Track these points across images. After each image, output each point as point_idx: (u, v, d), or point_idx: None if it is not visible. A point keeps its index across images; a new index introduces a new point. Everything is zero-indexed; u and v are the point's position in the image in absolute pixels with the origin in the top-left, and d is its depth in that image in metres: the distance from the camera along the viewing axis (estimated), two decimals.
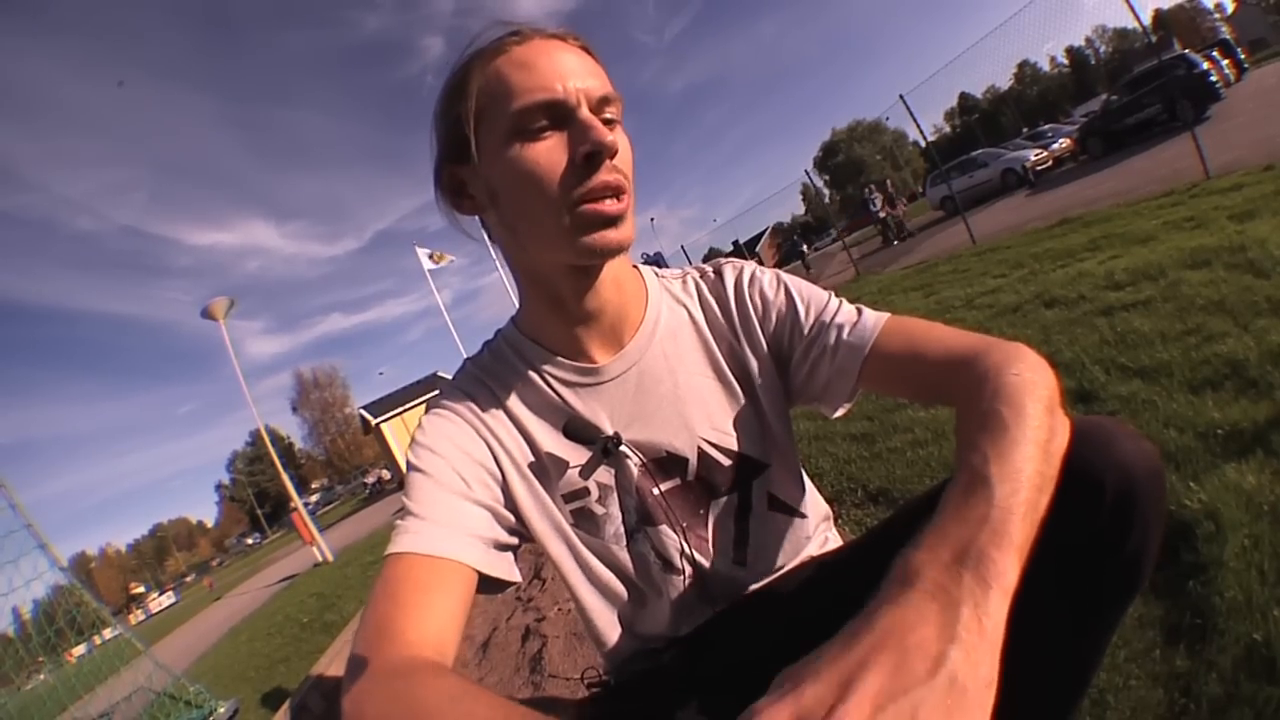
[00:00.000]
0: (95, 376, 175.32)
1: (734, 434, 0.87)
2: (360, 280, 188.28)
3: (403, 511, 0.77)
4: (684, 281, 0.94)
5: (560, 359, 0.85)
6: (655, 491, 0.86)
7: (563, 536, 0.87)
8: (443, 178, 0.79)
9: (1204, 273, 3.16)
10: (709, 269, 0.95)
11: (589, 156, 0.68)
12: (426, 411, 0.86)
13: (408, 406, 22.72)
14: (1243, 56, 19.05)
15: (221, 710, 4.67)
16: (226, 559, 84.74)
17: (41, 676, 5.75)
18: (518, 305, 0.90)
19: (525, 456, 0.84)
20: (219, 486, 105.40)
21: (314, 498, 66.17)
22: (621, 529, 0.88)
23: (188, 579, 74.67)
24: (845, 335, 0.81)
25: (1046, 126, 18.22)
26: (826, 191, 71.17)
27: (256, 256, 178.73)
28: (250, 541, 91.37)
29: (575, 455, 0.85)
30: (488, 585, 0.77)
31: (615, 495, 0.86)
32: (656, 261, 11.92)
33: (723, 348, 0.90)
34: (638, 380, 0.85)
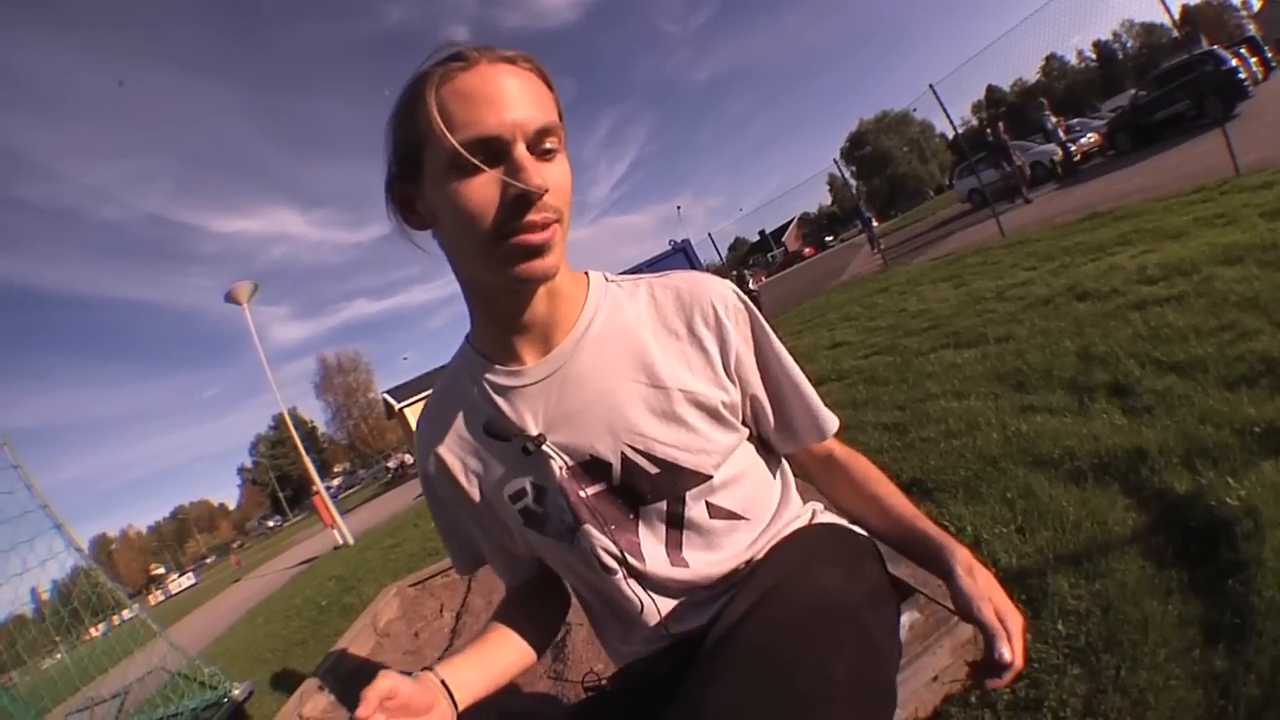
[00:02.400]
0: (119, 362, 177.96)
1: (666, 443, 0.85)
2: (385, 267, 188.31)
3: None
4: (636, 290, 0.93)
5: (496, 366, 0.88)
6: (581, 494, 0.86)
7: (523, 538, 0.92)
8: (393, 191, 0.81)
9: (1237, 269, 3.11)
10: (680, 284, 0.93)
11: (518, 198, 0.70)
12: (416, 446, 0.98)
13: (431, 392, 23.23)
14: (1270, 55, 18.55)
15: (236, 692, 4.68)
16: (247, 541, 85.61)
17: (57, 657, 5.80)
18: (469, 320, 0.92)
19: (476, 465, 0.91)
20: (241, 469, 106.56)
21: (336, 481, 66.60)
22: (563, 527, 0.89)
23: (208, 560, 75.69)
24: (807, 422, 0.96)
25: (1074, 120, 17.94)
26: (854, 182, 71.03)
27: (281, 243, 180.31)
28: (271, 524, 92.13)
29: (509, 456, 0.88)
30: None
31: (548, 495, 0.88)
32: (685, 248, 11.89)
33: (668, 357, 0.88)
34: (563, 383, 0.86)
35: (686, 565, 0.88)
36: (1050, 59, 67.20)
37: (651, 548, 0.88)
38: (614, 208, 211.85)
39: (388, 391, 30.85)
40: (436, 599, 3.69)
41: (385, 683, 0.70)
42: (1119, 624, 1.36)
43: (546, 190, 0.71)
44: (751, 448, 0.94)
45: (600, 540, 0.87)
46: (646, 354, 0.87)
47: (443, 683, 0.80)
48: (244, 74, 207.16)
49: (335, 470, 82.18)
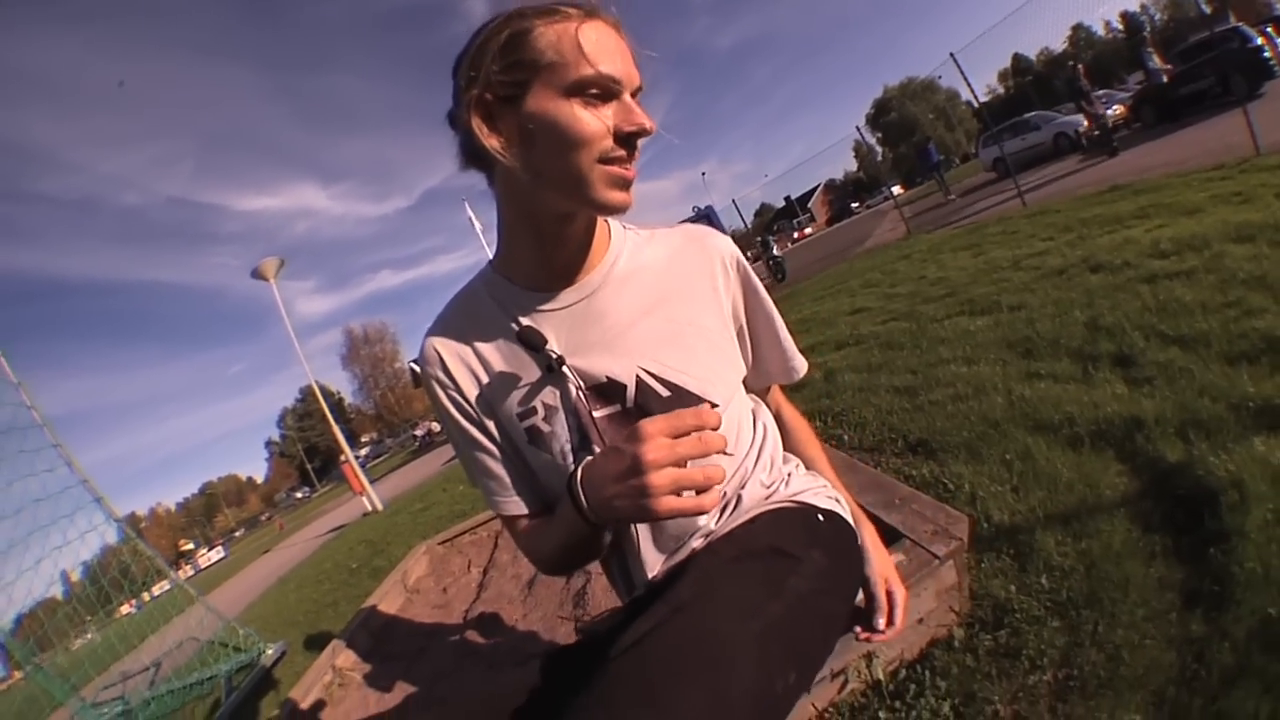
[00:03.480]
0: (145, 344, 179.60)
1: (675, 369, 0.94)
2: (410, 238, 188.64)
3: (470, 472, 1.02)
4: (652, 237, 1.03)
5: (523, 290, 0.95)
6: (593, 415, 0.93)
7: (523, 456, 0.99)
8: (479, 105, 0.82)
9: (1248, 247, 3.11)
10: (692, 233, 1.04)
11: (631, 134, 0.79)
12: (420, 361, 1.00)
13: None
14: None
15: (270, 652, 4.86)
16: (276, 513, 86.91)
17: (89, 635, 5.95)
18: (497, 247, 0.99)
19: (492, 370, 0.96)
20: (268, 443, 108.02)
21: (364, 451, 66.72)
22: (567, 447, 0.95)
23: (237, 534, 76.91)
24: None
25: (1100, 92, 17.58)
26: (880, 149, 69.88)
27: (305, 218, 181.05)
28: (299, 495, 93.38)
29: (526, 373, 0.95)
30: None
31: (560, 415, 0.94)
32: (708, 214, 11.91)
33: (680, 296, 0.98)
34: (585, 311, 0.94)
35: (678, 494, 0.91)
36: (1077, 29, 65.50)
37: None
38: (640, 175, 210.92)
39: (414, 360, 31.30)
40: (464, 556, 3.85)
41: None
42: (1101, 582, 1.42)
43: (651, 131, 0.81)
44: (742, 389, 1.05)
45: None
46: (663, 292, 0.97)
47: None
48: (259, 54, 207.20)
49: (363, 440, 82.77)
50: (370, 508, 13.01)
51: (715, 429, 0.72)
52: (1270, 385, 1.86)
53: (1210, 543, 1.39)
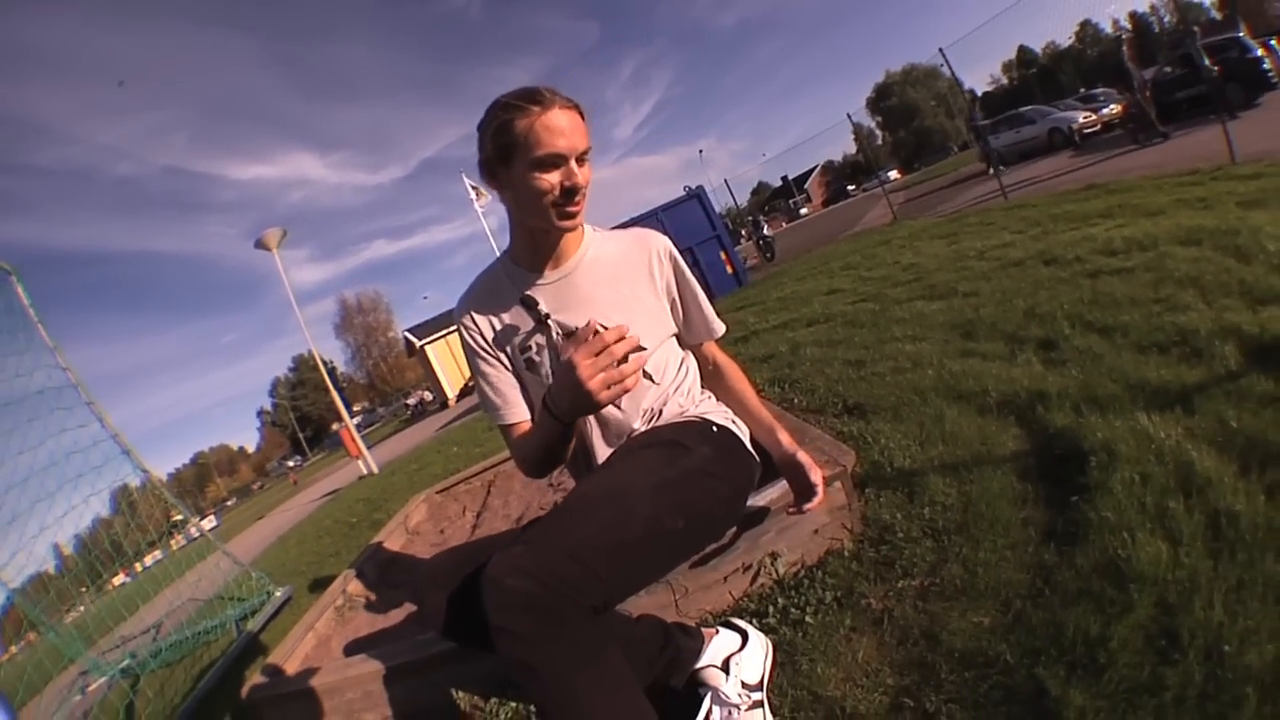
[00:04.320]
0: (138, 314, 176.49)
1: (620, 323, 1.28)
2: (405, 208, 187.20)
3: (484, 395, 1.52)
4: (610, 236, 1.56)
5: (525, 271, 1.48)
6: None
7: (521, 376, 1.49)
8: (486, 168, 1.35)
9: (1192, 250, 3.31)
10: (639, 234, 1.58)
11: (570, 189, 1.28)
12: (455, 316, 1.54)
13: (452, 329, 23.52)
14: None
15: (278, 594, 5.18)
16: (268, 482, 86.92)
17: (81, 609, 6.11)
18: (509, 242, 1.52)
19: (502, 322, 1.48)
20: (260, 413, 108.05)
21: (356, 419, 66.49)
22: (549, 370, 1.45)
23: (229, 503, 76.78)
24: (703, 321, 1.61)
25: (1099, 90, 17.68)
26: (880, 133, 69.54)
27: (301, 187, 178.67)
28: (291, 464, 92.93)
29: (525, 324, 1.46)
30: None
31: (546, 351, 1.45)
32: (699, 194, 12.16)
33: (630, 277, 1.50)
34: (565, 285, 1.46)
35: (620, 405, 1.46)
36: (1085, 24, 65.06)
37: None
38: (637, 149, 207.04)
39: (409, 330, 31.11)
40: (460, 503, 4.16)
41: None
42: (973, 517, 1.69)
43: (583, 186, 1.30)
44: (672, 342, 1.56)
45: None
46: (616, 274, 1.49)
47: None
48: (257, 23, 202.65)
49: (355, 409, 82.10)
50: (366, 471, 13.35)
51: (622, 341, 1.13)
52: (1170, 372, 2.07)
53: (1074, 493, 1.62)
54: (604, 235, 1.56)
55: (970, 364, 2.81)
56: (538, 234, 1.41)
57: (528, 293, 1.45)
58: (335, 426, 14.78)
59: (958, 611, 1.41)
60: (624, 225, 11.73)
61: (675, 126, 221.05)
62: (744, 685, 1.44)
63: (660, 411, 1.50)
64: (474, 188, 17.00)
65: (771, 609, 1.72)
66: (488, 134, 1.30)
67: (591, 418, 1.48)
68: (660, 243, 1.56)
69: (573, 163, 1.27)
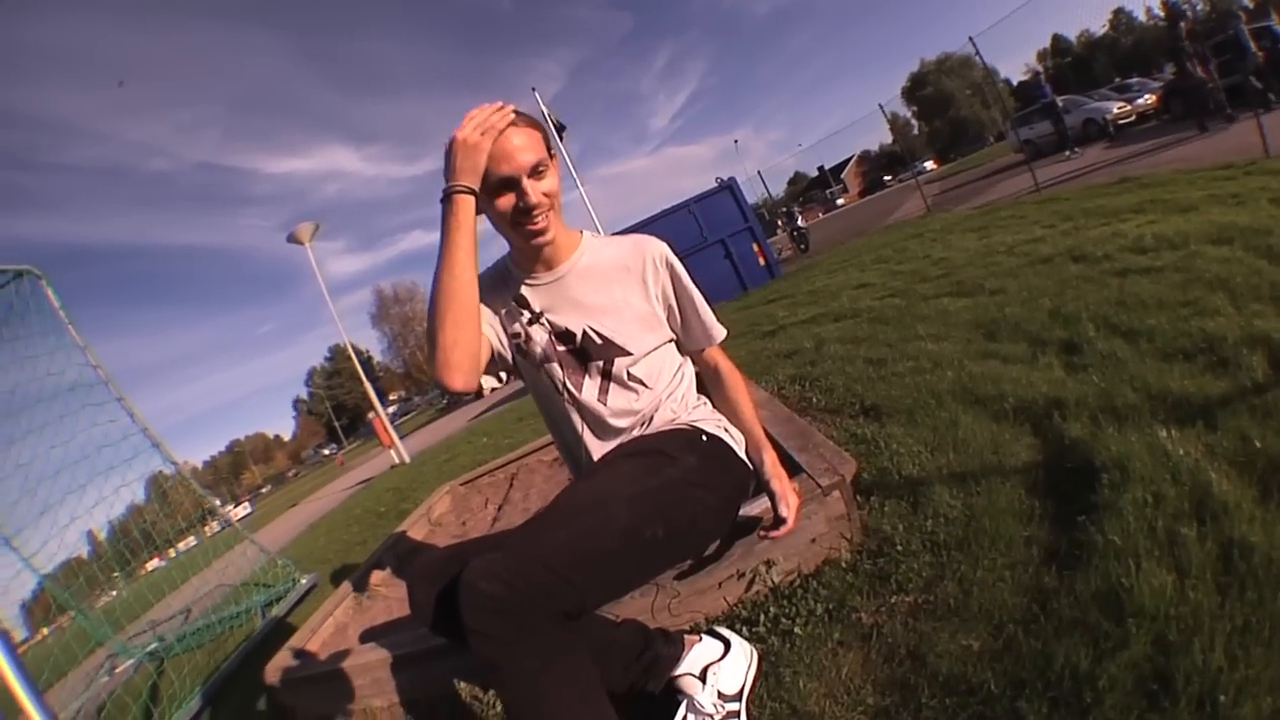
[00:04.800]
0: (174, 307, 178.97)
1: (611, 328, 1.49)
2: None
3: None
4: (609, 242, 1.60)
5: (522, 272, 1.54)
6: (558, 348, 1.51)
7: (511, 355, 1.53)
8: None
9: (1223, 250, 3.18)
10: (636, 241, 1.58)
11: (524, 209, 1.34)
12: None
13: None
14: None
15: (303, 582, 5.29)
16: (303, 470, 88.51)
17: (113, 592, 6.41)
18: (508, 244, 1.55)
19: (503, 307, 1.53)
20: (296, 402, 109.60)
21: (392, 408, 66.36)
22: (540, 358, 1.51)
23: (263, 490, 78.19)
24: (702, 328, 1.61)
25: (1134, 80, 17.18)
26: (915, 123, 68.58)
27: (336, 180, 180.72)
28: (326, 452, 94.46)
29: (521, 318, 1.52)
30: (492, 364, 1.51)
31: (537, 345, 1.51)
32: (730, 186, 12.03)
33: (623, 282, 1.53)
34: (557, 287, 1.51)
35: (605, 405, 1.50)
36: (1118, 13, 63.31)
37: (588, 389, 1.51)
38: (673, 139, 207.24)
39: None
40: (483, 495, 4.24)
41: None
42: (976, 532, 1.63)
43: (539, 202, 1.34)
44: (669, 349, 1.58)
45: (559, 374, 1.51)
46: (609, 279, 1.52)
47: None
48: (287, 20, 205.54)
49: (391, 398, 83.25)
50: (398, 460, 13.59)
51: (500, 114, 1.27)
52: (1194, 383, 1.96)
53: (1082, 512, 1.54)
54: (602, 241, 1.59)
55: (990, 366, 2.74)
56: (521, 248, 1.49)
57: (519, 293, 1.52)
58: (370, 415, 15.00)
59: (948, 632, 1.37)
60: (656, 218, 11.83)
61: (711, 116, 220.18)
62: (720, 695, 1.44)
63: (651, 418, 1.52)
64: None
65: (763, 617, 1.71)
66: None
67: (582, 420, 1.53)
68: (656, 250, 1.57)
69: (525, 181, 1.32)
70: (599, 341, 1.49)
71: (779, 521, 1.47)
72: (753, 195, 23.06)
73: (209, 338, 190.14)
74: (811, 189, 73.03)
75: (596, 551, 1.11)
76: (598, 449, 1.52)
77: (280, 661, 2.63)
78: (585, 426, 1.54)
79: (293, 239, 14.09)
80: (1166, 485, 1.51)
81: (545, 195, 1.36)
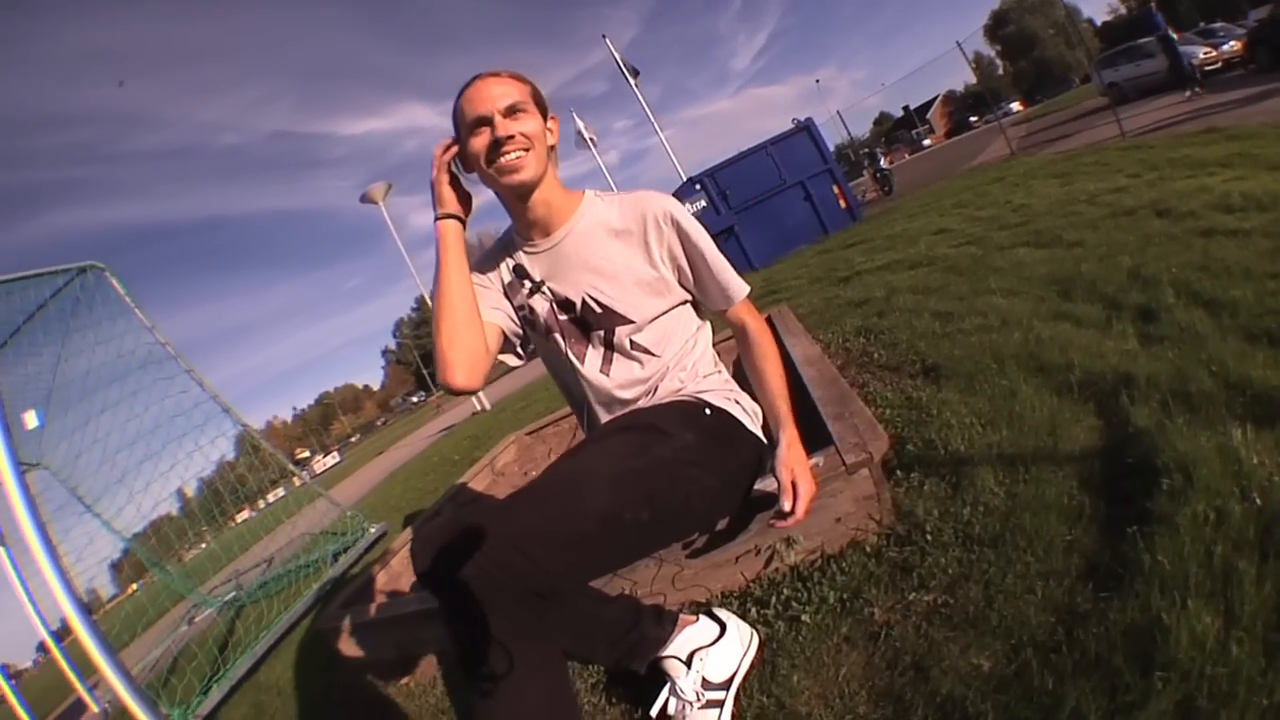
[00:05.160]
0: (260, 269, 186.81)
1: (610, 295, 1.44)
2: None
3: None
4: (611, 201, 1.52)
5: (522, 240, 1.51)
6: (559, 318, 1.48)
7: (523, 329, 1.55)
8: (458, 150, 1.42)
9: None
10: (637, 199, 1.50)
11: (495, 141, 1.33)
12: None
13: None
14: None
15: (372, 531, 5.54)
16: (391, 418, 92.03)
17: (202, 545, 6.90)
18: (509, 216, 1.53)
19: (505, 280, 1.54)
20: (385, 352, 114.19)
21: None
22: (544, 329, 1.50)
23: (353, 439, 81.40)
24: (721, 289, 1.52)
25: (1218, 24, 15.83)
26: (999, 63, 65.20)
27: (414, 136, 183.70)
28: (415, 400, 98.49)
29: (523, 288, 1.50)
30: (507, 344, 1.54)
31: (540, 315, 1.49)
32: (808, 126, 11.63)
33: (624, 245, 1.46)
34: (556, 253, 1.48)
35: (609, 376, 1.48)
36: None
37: (591, 359, 1.49)
38: (755, 79, 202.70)
39: None
40: (547, 445, 4.27)
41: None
42: (1015, 529, 1.47)
43: (511, 135, 1.33)
44: (681, 311, 1.52)
45: (562, 345, 1.49)
46: (608, 243, 1.46)
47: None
48: None
49: None
50: (479, 408, 14.18)
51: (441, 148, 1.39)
52: (1277, 374, 1.68)
53: (1134, 521, 1.33)
54: (604, 201, 1.53)
55: (1061, 329, 2.53)
56: (514, 205, 1.46)
57: (517, 263, 1.51)
58: None
59: (960, 646, 1.25)
60: (732, 161, 11.68)
61: (792, 56, 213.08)
62: (704, 682, 1.40)
63: (656, 388, 1.48)
64: (584, 126, 17.02)
65: (775, 599, 1.64)
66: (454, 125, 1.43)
67: (588, 392, 1.51)
68: (658, 206, 1.48)
69: (498, 118, 1.32)
70: (598, 310, 1.45)
71: (783, 514, 1.36)
72: (837, 136, 22.28)
73: (297, 296, 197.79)
74: (897, 129, 70.61)
75: (570, 534, 1.09)
76: (607, 418, 1.51)
77: (332, 609, 2.76)
78: (592, 398, 1.52)
79: (366, 199, 14.43)
80: (1233, 502, 1.27)
81: (522, 134, 1.34)
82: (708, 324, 1.61)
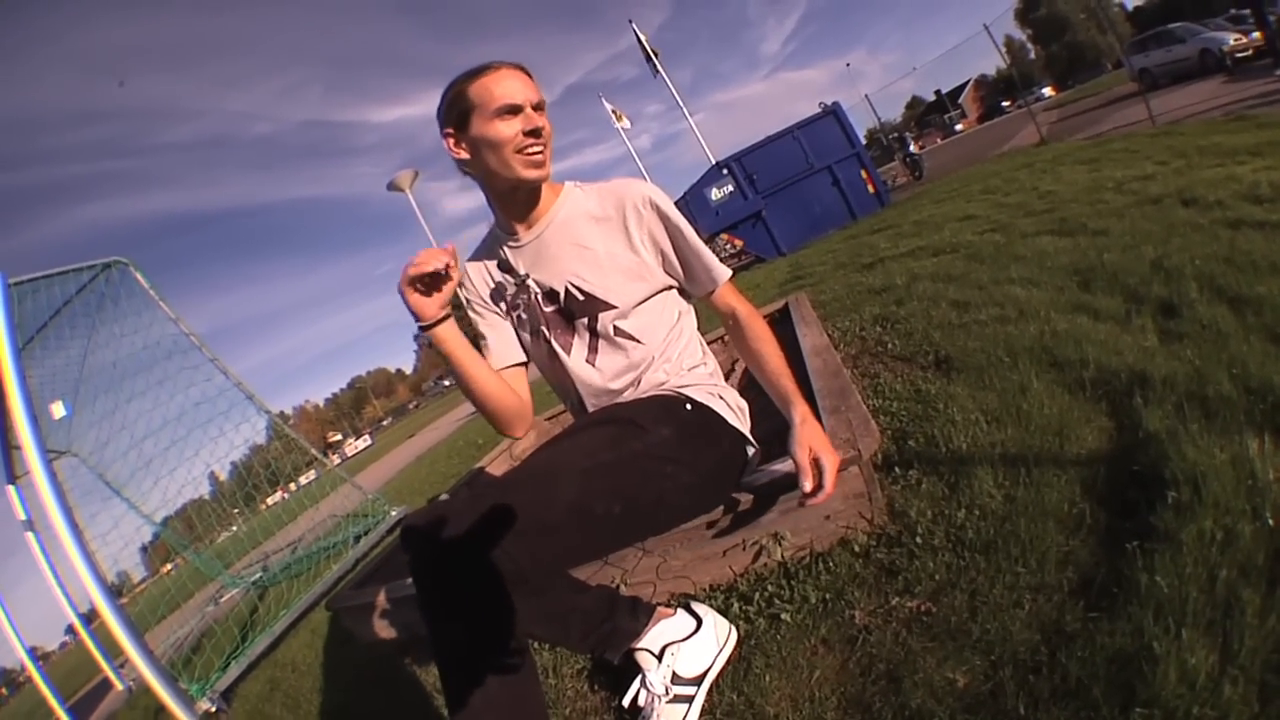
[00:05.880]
0: (291, 256, 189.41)
1: (592, 282, 1.46)
2: (556, 132, 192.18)
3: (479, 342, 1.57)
4: (589, 191, 1.54)
5: (505, 235, 1.53)
6: (545, 309, 1.51)
7: (512, 330, 1.57)
8: (451, 139, 1.41)
9: None
10: (616, 186, 1.52)
11: (532, 131, 1.33)
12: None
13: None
14: None
15: (394, 514, 5.66)
16: (423, 401, 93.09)
17: (234, 528, 7.08)
18: (491, 212, 1.55)
19: (493, 282, 1.57)
20: (417, 335, 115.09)
21: None
22: (534, 327, 1.53)
23: (385, 423, 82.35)
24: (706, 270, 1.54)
25: (1249, 10, 15.49)
26: (1031, 47, 64.22)
27: None
28: (447, 383, 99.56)
29: (509, 285, 1.54)
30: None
31: (532, 309, 1.51)
32: (835, 110, 11.51)
33: (604, 232, 1.48)
34: (538, 246, 1.50)
35: (595, 366, 1.50)
36: None
37: (577, 349, 1.51)
38: (787, 63, 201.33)
39: None
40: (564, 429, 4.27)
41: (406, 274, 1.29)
42: (1008, 535, 1.41)
43: (545, 130, 1.35)
44: (665, 298, 1.54)
45: (549, 337, 1.51)
46: (588, 230, 1.48)
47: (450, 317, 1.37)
48: None
49: None
50: None
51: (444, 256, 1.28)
52: None
53: (1135, 536, 1.25)
54: (583, 191, 1.55)
55: (1079, 322, 2.45)
56: (504, 196, 1.46)
57: (503, 257, 1.53)
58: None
59: (937, 657, 1.21)
60: (759, 145, 11.67)
61: (823, 40, 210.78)
62: (675, 676, 1.41)
63: (640, 380, 1.50)
64: (614, 110, 17.02)
65: (759, 595, 1.63)
66: (445, 106, 1.38)
67: (576, 383, 1.53)
68: (638, 192, 1.50)
69: (529, 110, 1.33)
70: (581, 298, 1.47)
71: (807, 482, 1.32)
72: (869, 121, 22.04)
73: (329, 282, 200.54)
74: (929, 114, 69.83)
75: (539, 523, 1.10)
76: (594, 406, 1.54)
77: (347, 590, 2.81)
78: (579, 390, 1.53)
79: (393, 187, 14.55)
80: (1244, 522, 1.18)
81: (547, 131, 1.37)
82: (691, 310, 1.64)
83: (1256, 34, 13.32)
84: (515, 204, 1.47)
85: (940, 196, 8.95)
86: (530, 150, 1.34)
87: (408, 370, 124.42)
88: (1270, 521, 1.16)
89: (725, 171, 11.70)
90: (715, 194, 11.80)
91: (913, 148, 17.35)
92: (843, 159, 11.48)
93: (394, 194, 15.55)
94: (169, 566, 7.66)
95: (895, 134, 20.89)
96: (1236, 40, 13.87)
